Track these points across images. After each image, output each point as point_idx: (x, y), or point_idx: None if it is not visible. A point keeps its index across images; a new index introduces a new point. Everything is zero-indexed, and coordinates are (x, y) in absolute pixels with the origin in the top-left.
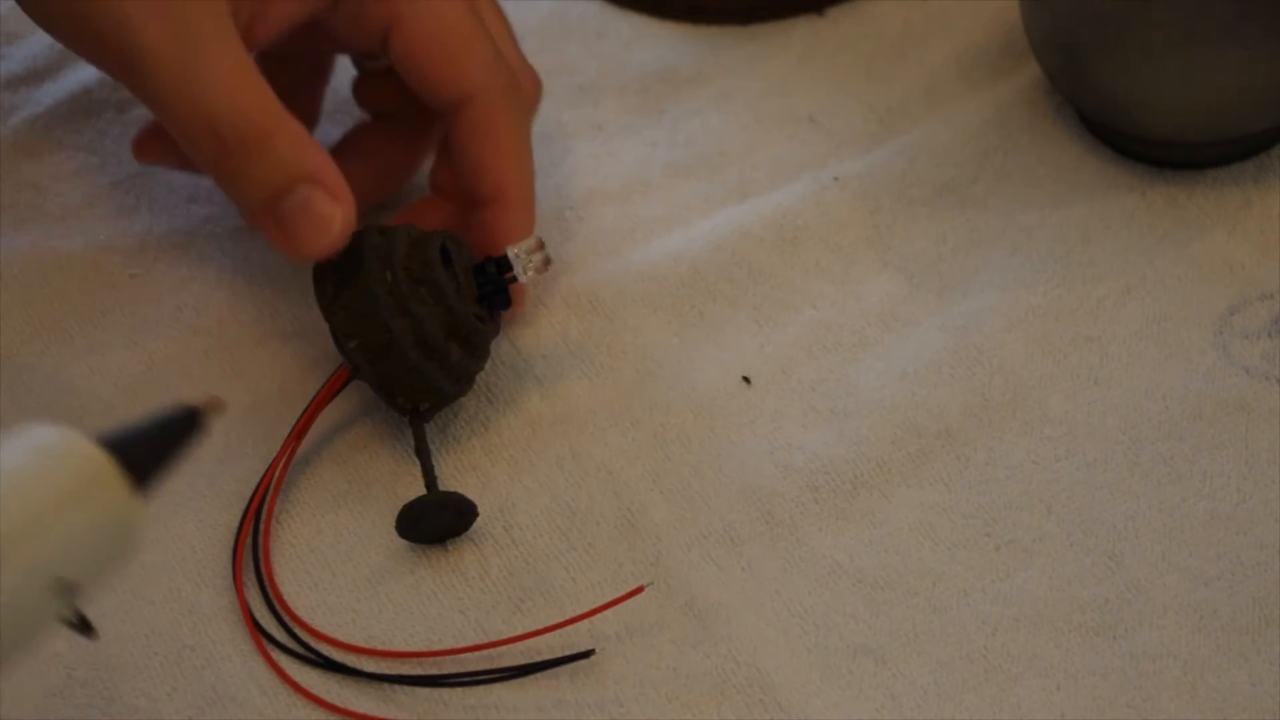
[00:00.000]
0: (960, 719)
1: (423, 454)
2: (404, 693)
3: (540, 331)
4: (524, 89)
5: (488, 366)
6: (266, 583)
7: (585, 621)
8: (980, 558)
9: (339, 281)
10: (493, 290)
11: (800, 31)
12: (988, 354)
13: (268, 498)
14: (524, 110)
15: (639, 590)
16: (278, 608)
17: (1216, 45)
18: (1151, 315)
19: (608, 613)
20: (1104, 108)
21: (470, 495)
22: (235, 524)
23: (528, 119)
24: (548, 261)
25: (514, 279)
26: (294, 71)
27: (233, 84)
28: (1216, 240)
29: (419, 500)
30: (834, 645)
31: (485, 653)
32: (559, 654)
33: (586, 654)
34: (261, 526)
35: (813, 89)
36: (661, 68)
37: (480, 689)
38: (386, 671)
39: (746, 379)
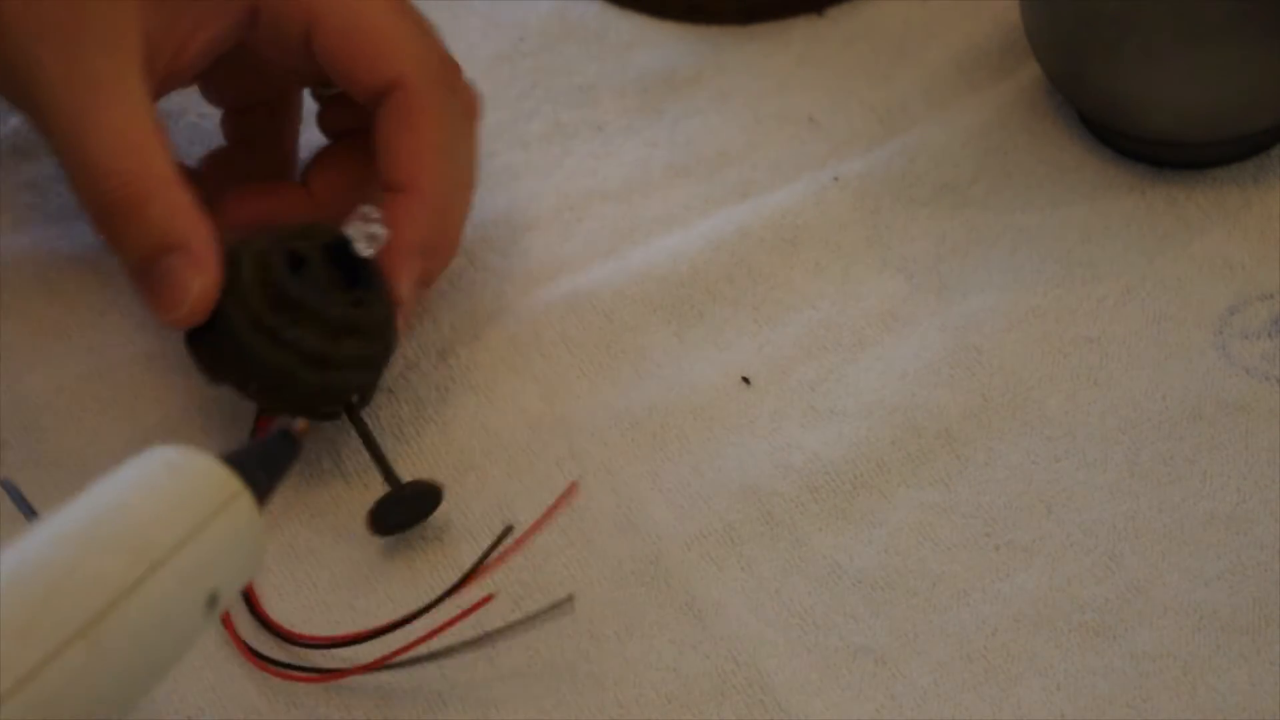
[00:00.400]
0: (960, 719)
1: (372, 449)
2: (401, 683)
3: (540, 331)
4: (461, 90)
5: (487, 363)
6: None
7: (585, 620)
8: (980, 558)
9: (208, 340)
10: (355, 266)
11: (800, 31)
12: (988, 354)
13: None
14: (455, 106)
15: (573, 489)
16: (257, 613)
17: (1216, 45)
18: (1151, 315)
19: (607, 612)
20: (1104, 108)
21: (469, 494)
22: None
23: (461, 119)
24: (382, 231)
25: (371, 263)
26: (259, 122)
27: (120, 144)
28: (1216, 240)
29: (384, 498)
30: (834, 645)
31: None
32: (557, 654)
33: (566, 600)
34: None
35: (813, 89)
36: (661, 68)
37: (480, 689)
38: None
39: (746, 379)
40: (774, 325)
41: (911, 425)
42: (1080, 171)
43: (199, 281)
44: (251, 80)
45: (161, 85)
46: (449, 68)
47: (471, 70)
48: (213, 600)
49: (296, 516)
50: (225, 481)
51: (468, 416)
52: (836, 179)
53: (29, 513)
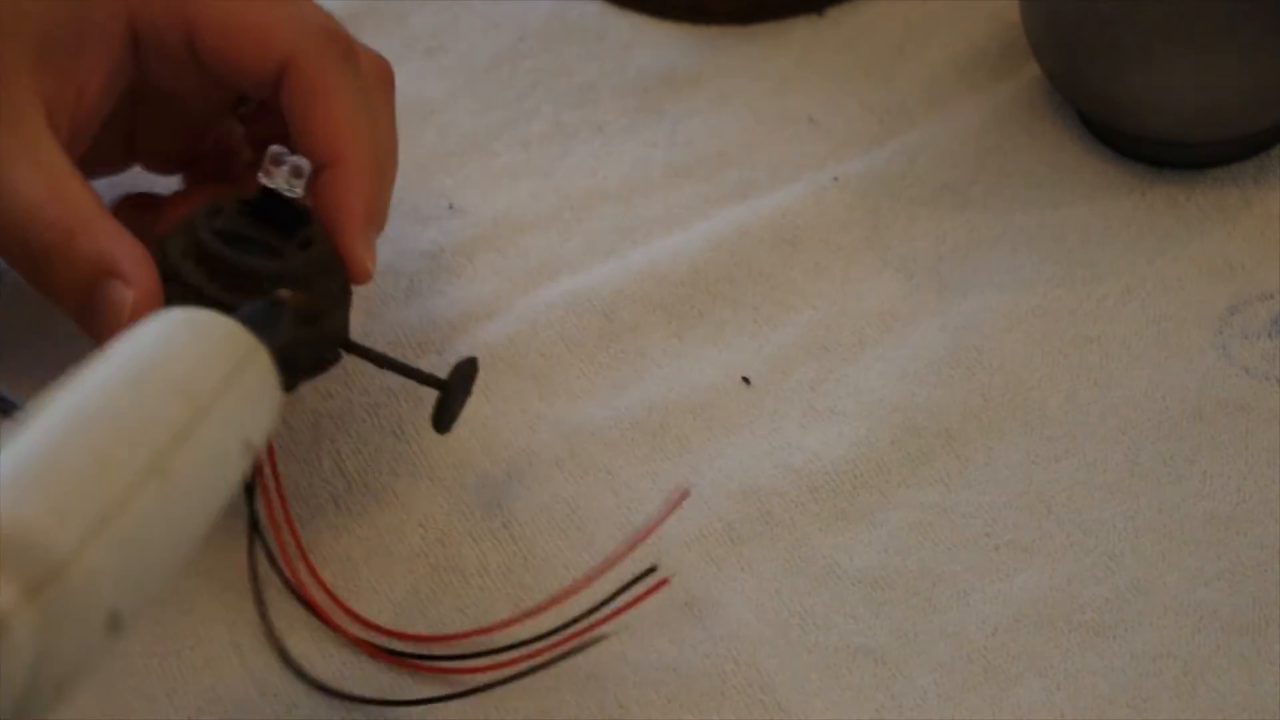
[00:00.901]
0: (960, 719)
1: (393, 365)
2: (401, 683)
3: (539, 329)
4: (359, 55)
5: (487, 361)
6: (280, 553)
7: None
8: (980, 558)
9: None
10: (285, 211)
11: (800, 31)
12: (988, 354)
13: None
14: (355, 70)
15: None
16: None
17: (1216, 45)
18: (1151, 315)
19: (607, 612)
20: (1104, 108)
21: (468, 494)
22: (233, 522)
23: (372, 85)
24: (303, 161)
25: (300, 201)
26: (208, 172)
27: (40, 198)
28: (1216, 240)
29: (440, 402)
30: (834, 645)
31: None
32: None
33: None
34: (265, 512)
35: (813, 89)
36: (661, 68)
37: (480, 691)
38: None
39: (746, 379)
40: (774, 325)
41: (911, 425)
42: (1080, 171)
43: (131, 296)
44: (172, 132)
45: (73, 139)
46: (337, 36)
47: (471, 70)
48: (247, 446)
49: (296, 516)
50: (244, 336)
51: (467, 415)
52: (836, 179)
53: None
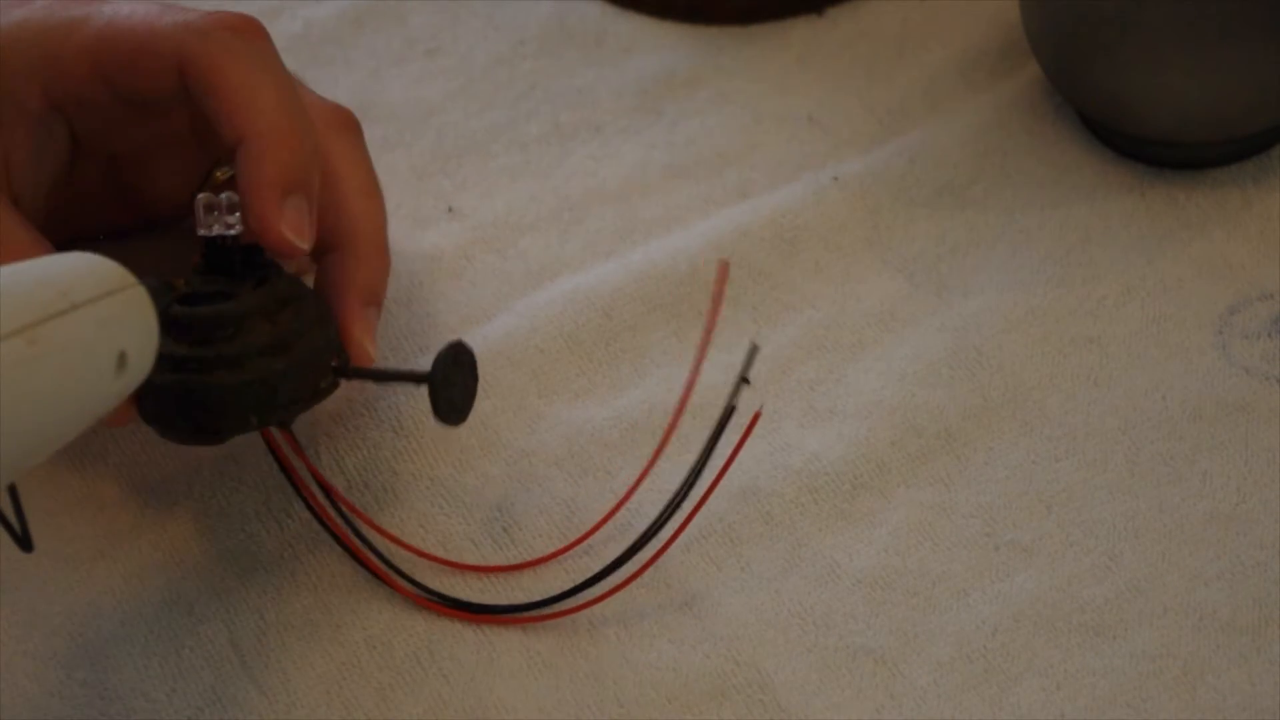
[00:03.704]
0: (960, 719)
1: (387, 375)
2: (401, 682)
3: (538, 326)
4: (258, 31)
5: (486, 358)
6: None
7: (585, 620)
8: (980, 558)
9: (180, 418)
10: (237, 254)
11: (800, 32)
12: (987, 354)
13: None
14: (251, 43)
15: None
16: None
17: (1217, 45)
18: (1151, 315)
19: (607, 612)
20: (1104, 108)
21: (468, 493)
22: (233, 522)
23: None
24: (234, 196)
25: (247, 240)
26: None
27: None
28: (1216, 240)
29: (431, 395)
30: (834, 645)
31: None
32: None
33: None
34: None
35: (812, 89)
36: (661, 69)
37: (480, 689)
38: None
39: (746, 379)
40: (774, 325)
41: (911, 425)
42: (1080, 171)
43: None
44: (160, 184)
45: (32, 214)
46: (224, 20)
47: (471, 72)
48: (122, 360)
49: (295, 516)
50: (126, 274)
51: None
52: (836, 179)
53: None
